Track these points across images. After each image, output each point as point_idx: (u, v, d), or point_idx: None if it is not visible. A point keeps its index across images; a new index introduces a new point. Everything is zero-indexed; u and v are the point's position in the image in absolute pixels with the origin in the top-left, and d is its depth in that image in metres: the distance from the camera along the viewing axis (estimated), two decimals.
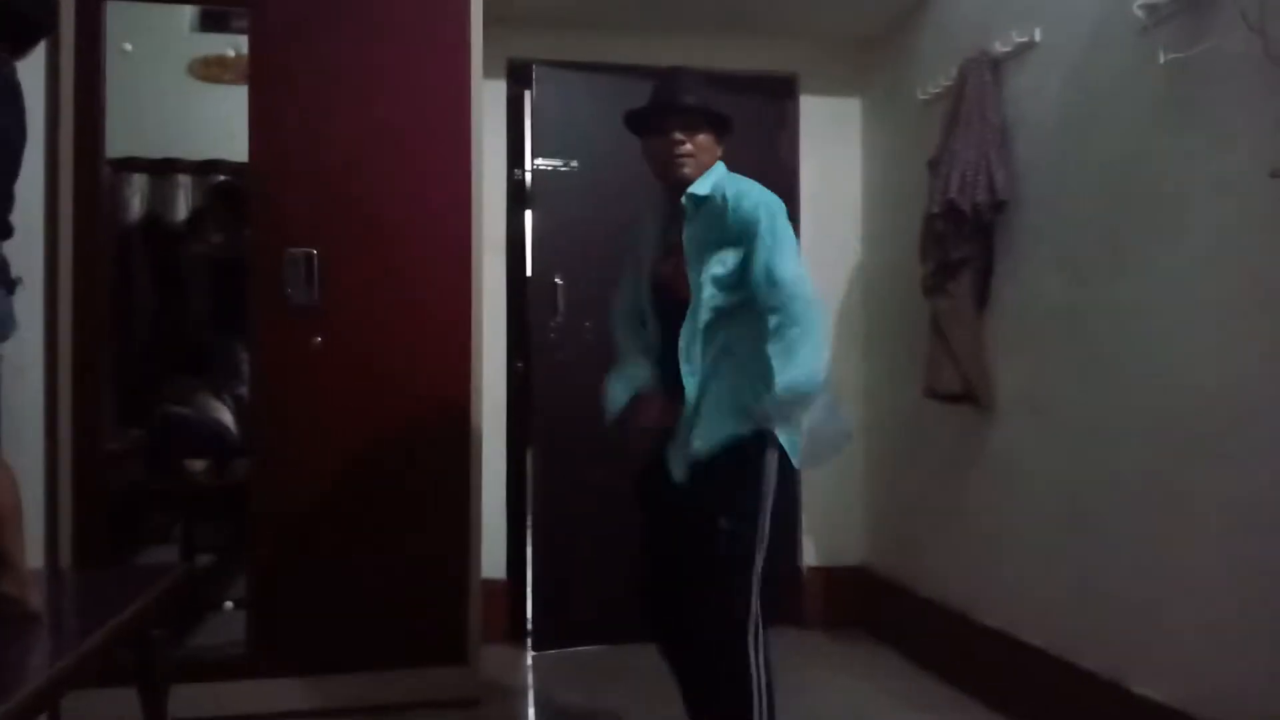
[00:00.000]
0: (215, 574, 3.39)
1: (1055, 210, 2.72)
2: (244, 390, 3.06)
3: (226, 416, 3.41)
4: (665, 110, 2.18)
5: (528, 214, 3.76)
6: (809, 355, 2.00)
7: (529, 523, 3.73)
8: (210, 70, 3.59)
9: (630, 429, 2.24)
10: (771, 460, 2.09)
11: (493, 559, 3.55)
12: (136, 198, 3.61)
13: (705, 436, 2.07)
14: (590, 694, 3.10)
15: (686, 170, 2.16)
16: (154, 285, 3.59)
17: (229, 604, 3.28)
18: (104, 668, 1.73)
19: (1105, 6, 2.50)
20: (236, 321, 2.98)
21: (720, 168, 2.21)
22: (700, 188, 2.15)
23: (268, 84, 2.87)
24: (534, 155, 3.62)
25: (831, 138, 3.98)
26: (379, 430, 2.91)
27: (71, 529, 2.73)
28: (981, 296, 3.00)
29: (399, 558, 2.90)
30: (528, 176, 3.70)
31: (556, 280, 3.56)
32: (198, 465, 3.32)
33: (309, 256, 2.85)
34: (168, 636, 2.15)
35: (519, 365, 3.74)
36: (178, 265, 3.62)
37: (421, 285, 2.94)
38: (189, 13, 3.49)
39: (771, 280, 2.03)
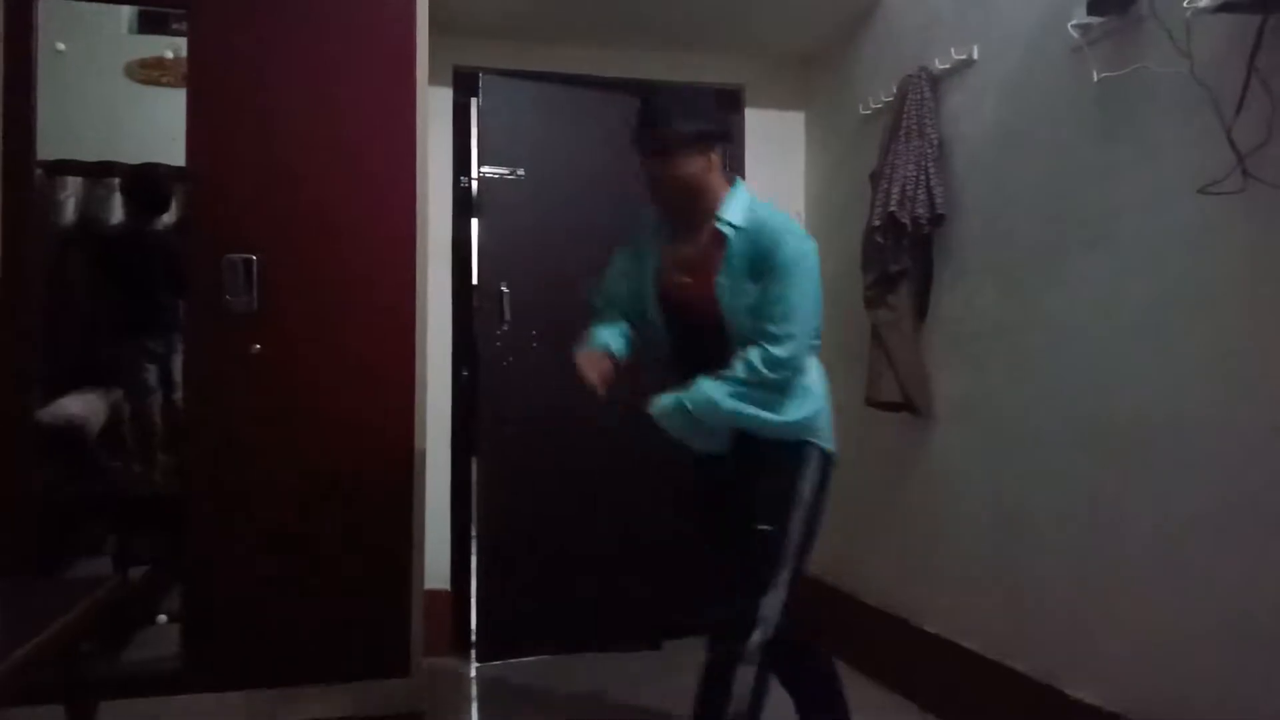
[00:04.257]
0: (149, 586, 3.31)
1: (991, 224, 2.78)
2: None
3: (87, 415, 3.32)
4: (637, 140, 2.20)
5: (474, 222, 3.74)
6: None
7: (473, 533, 3.70)
8: (148, 72, 3.53)
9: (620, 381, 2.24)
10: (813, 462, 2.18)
11: (437, 570, 3.52)
12: (71, 201, 3.52)
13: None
14: (534, 705, 3.09)
15: (661, 198, 2.22)
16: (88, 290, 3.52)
17: (163, 617, 3.20)
18: (30, 684, 1.68)
19: (1041, 26, 2.56)
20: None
21: (741, 191, 2.21)
22: (733, 215, 2.15)
23: (207, 87, 2.82)
24: (480, 163, 3.60)
25: (776, 150, 4.03)
26: (320, 439, 2.87)
27: None
28: (921, 308, 3.06)
29: (339, 568, 2.86)
30: (474, 184, 3.68)
31: (503, 288, 3.55)
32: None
33: (248, 262, 2.81)
34: (98, 651, 2.10)
35: (464, 374, 3.71)
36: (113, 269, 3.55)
37: (365, 292, 2.91)
38: (127, 14, 3.43)
39: (774, 335, 2.06)
